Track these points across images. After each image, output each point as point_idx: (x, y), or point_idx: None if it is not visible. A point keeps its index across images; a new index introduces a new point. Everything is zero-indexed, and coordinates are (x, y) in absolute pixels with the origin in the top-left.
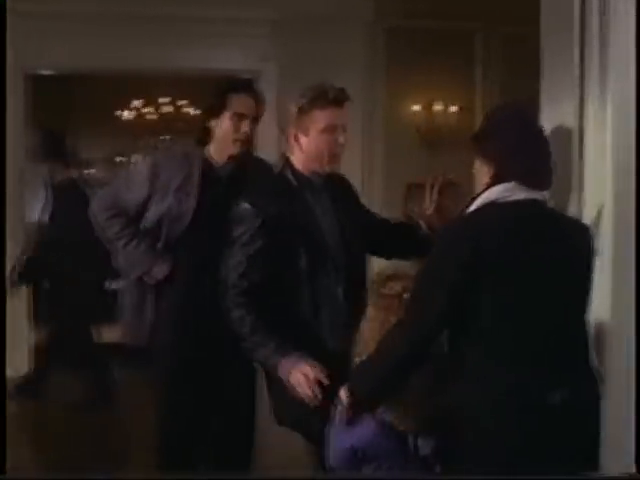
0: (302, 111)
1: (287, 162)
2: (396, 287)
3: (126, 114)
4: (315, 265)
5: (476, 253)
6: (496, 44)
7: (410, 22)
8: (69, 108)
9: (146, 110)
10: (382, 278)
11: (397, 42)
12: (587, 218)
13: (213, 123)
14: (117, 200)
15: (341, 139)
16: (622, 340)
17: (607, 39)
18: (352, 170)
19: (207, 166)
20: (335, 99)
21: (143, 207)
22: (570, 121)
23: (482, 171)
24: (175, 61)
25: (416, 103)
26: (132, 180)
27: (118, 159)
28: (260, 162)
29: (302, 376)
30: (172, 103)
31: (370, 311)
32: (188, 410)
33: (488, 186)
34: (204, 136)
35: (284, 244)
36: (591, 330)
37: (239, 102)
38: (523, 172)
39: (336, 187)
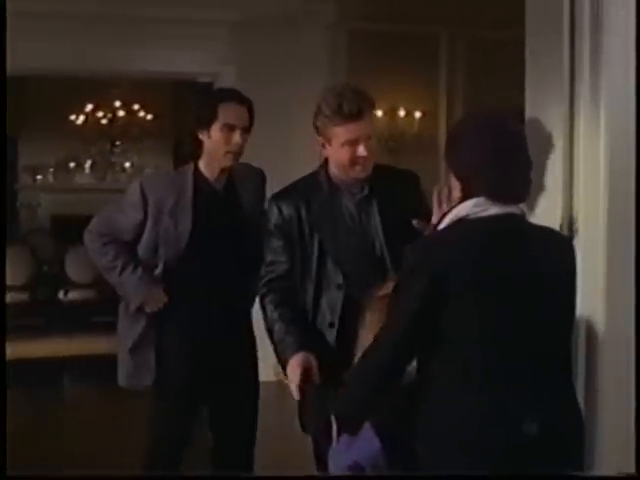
0: (322, 125)
1: (325, 164)
2: (391, 287)
3: (80, 118)
4: (322, 265)
5: (444, 273)
6: (460, 48)
7: (372, 25)
8: (20, 111)
9: (100, 114)
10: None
11: (359, 45)
12: (578, 226)
13: (203, 135)
14: (112, 226)
15: (361, 150)
16: (621, 338)
17: (600, 40)
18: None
19: (201, 180)
20: (351, 114)
21: (140, 230)
22: (559, 127)
23: (455, 185)
24: (130, 63)
25: (378, 108)
26: (125, 203)
27: (71, 164)
28: (249, 168)
29: (295, 370)
30: (126, 107)
31: (367, 316)
32: (190, 421)
33: (460, 201)
34: (194, 149)
35: (300, 243)
36: (582, 337)
37: (229, 112)
38: (493, 186)
39: (384, 191)
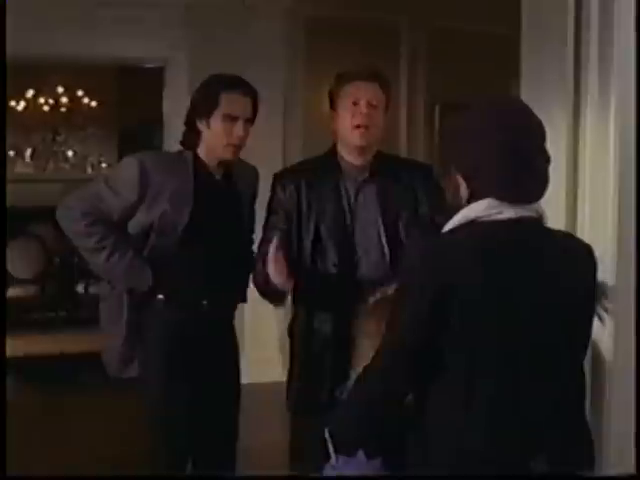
0: (335, 88)
1: (334, 148)
2: (388, 290)
3: (20, 105)
4: (318, 242)
5: (448, 282)
6: (422, 38)
7: (331, 11)
8: None
9: (41, 101)
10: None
11: (317, 32)
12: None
13: (201, 125)
14: (98, 205)
15: (361, 107)
16: (622, 336)
17: (609, 35)
18: (272, 165)
19: (201, 167)
20: (361, 73)
21: (130, 212)
22: (561, 130)
23: (462, 185)
24: (73, 47)
25: None
26: (118, 183)
27: (11, 153)
28: (245, 164)
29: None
30: (69, 93)
31: (363, 323)
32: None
33: (468, 200)
34: (192, 138)
35: (297, 219)
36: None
37: (232, 102)
38: (501, 185)
39: (386, 177)
